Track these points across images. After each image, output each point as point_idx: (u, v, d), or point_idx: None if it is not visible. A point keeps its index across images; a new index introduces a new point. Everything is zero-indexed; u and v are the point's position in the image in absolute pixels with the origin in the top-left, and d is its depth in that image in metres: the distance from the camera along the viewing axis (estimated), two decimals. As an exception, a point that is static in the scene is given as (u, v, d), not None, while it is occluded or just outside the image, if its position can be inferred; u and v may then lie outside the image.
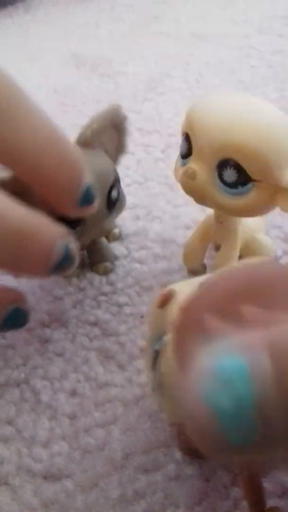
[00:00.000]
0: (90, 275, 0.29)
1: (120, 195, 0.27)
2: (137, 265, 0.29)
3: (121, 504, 0.20)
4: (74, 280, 0.28)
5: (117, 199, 0.26)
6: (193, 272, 0.28)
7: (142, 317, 0.26)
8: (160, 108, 0.42)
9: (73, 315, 0.27)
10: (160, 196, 0.33)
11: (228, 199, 0.21)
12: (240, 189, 0.21)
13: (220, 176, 0.21)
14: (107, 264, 0.29)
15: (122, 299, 0.27)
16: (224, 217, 0.25)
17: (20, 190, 0.21)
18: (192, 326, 0.14)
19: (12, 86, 0.20)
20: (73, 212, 0.22)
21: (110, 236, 0.30)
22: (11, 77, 0.20)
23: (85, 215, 0.23)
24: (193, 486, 0.20)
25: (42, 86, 0.47)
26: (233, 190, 0.21)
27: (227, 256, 0.25)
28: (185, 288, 0.18)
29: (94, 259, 0.29)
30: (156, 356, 0.17)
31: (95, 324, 0.26)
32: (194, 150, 0.22)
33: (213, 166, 0.21)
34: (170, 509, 0.20)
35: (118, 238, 0.31)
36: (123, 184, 0.35)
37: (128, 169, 0.36)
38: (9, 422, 0.23)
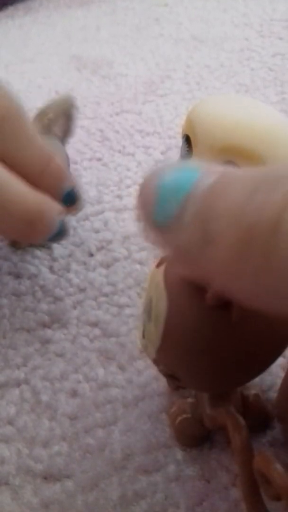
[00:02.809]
0: (91, 275, 0.29)
1: None
2: (138, 266, 0.29)
3: (121, 504, 0.20)
4: (75, 280, 0.28)
5: None
6: None
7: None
8: (161, 110, 0.42)
9: (74, 315, 0.27)
10: (161, 197, 0.33)
11: None
12: None
13: None
14: None
15: (122, 300, 0.27)
16: None
17: None
18: None
19: (16, 109, 0.24)
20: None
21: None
22: (15, 98, 0.25)
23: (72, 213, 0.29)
24: (193, 487, 0.20)
25: (43, 87, 0.47)
26: None
27: None
28: None
29: None
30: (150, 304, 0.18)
31: (95, 325, 0.26)
32: (195, 153, 0.22)
33: None
34: (170, 509, 0.20)
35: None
36: (123, 185, 0.35)
37: (128, 171, 0.36)
38: (10, 422, 0.23)
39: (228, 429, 0.18)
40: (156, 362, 0.19)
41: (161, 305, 0.17)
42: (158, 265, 0.18)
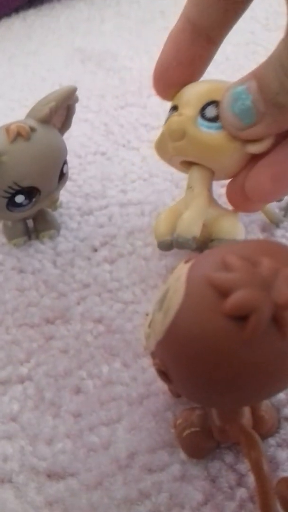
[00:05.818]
0: (95, 270, 0.28)
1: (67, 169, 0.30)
2: (143, 262, 0.29)
3: (125, 504, 0.20)
4: (79, 276, 0.28)
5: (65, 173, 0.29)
6: (164, 247, 0.26)
7: (147, 314, 0.26)
8: (166, 104, 0.41)
9: (78, 311, 0.27)
10: (165, 192, 0.33)
11: (206, 134, 0.24)
12: (218, 123, 0.24)
13: (202, 115, 0.24)
14: (53, 231, 0.31)
15: (127, 296, 0.27)
16: (194, 181, 0.26)
17: None
18: None
19: None
20: None
21: (53, 206, 0.32)
22: None
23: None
24: (198, 486, 0.20)
25: (47, 80, 0.47)
26: (212, 124, 0.24)
27: (191, 217, 0.25)
28: None
29: (42, 227, 0.31)
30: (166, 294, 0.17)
31: (99, 321, 0.26)
32: (180, 107, 0.25)
33: (198, 109, 0.24)
34: (175, 509, 0.20)
35: (58, 207, 0.33)
36: (128, 180, 0.35)
37: (133, 165, 0.36)
38: (13, 419, 0.23)
39: (241, 444, 0.18)
40: (153, 355, 0.18)
41: (176, 298, 0.16)
42: (187, 261, 0.17)
